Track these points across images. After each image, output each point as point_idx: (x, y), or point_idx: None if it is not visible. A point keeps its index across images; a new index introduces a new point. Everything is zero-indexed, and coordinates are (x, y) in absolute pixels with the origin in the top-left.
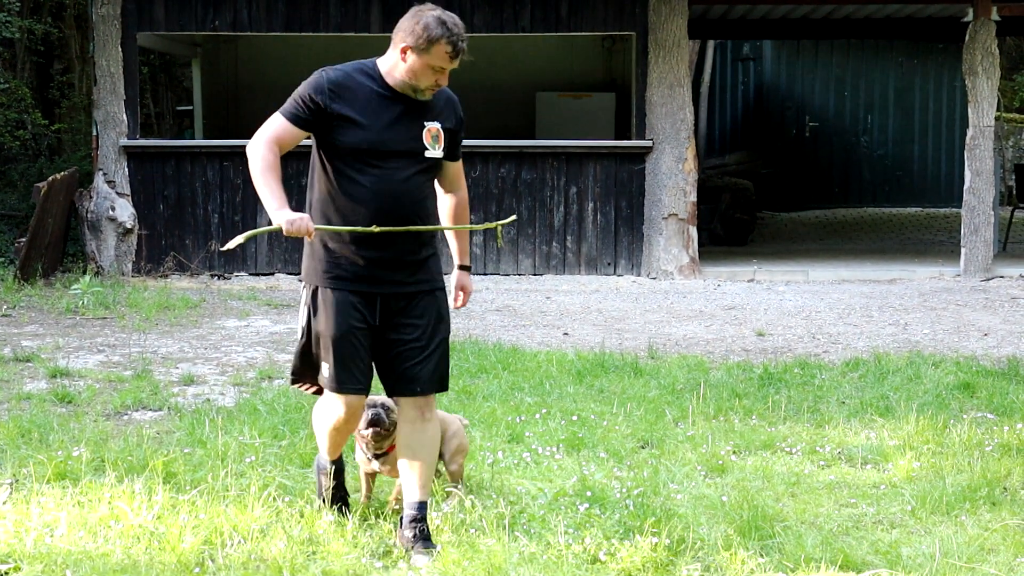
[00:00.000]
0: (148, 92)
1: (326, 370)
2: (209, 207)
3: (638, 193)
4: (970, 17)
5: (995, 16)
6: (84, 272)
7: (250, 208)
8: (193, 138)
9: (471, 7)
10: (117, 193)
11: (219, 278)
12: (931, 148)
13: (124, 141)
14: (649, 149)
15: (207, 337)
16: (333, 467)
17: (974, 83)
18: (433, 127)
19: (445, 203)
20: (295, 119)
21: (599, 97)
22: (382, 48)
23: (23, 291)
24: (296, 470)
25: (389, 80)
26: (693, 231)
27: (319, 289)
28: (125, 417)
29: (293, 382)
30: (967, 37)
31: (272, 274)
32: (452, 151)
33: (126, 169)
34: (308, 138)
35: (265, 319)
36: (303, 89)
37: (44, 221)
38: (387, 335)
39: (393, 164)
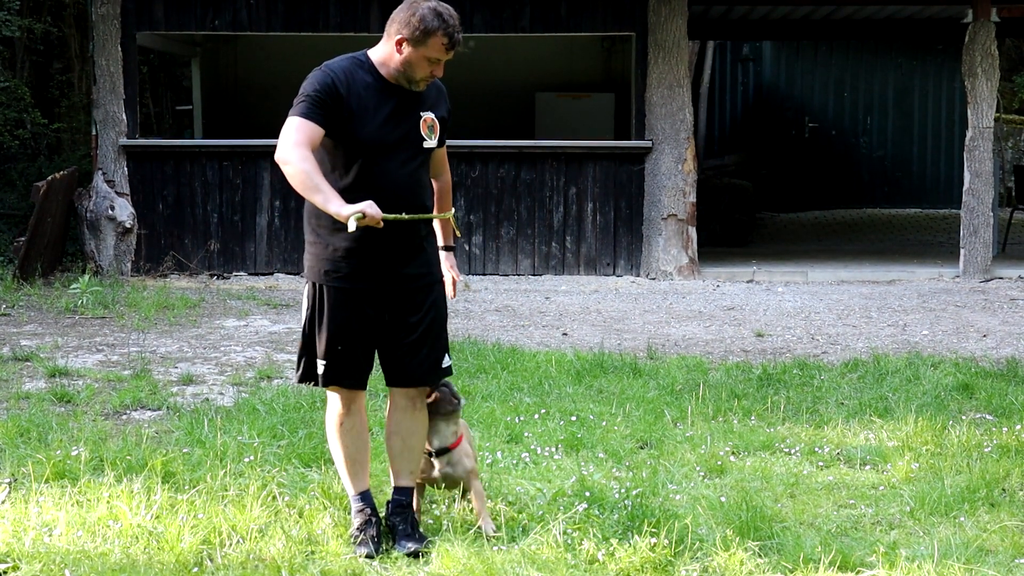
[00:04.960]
0: (147, 91)
1: (321, 366)
2: (208, 207)
3: (637, 194)
4: (969, 18)
5: (994, 17)
6: (83, 271)
7: (249, 207)
8: (192, 138)
9: (470, 7)
10: (116, 192)
11: (218, 278)
12: (930, 149)
13: (123, 140)
14: (648, 150)
15: (206, 337)
16: (360, 502)
17: (973, 84)
18: (428, 117)
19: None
20: (317, 118)
21: (598, 97)
22: None
23: (22, 290)
24: (295, 470)
25: (383, 71)
26: (692, 232)
27: (322, 286)
28: (124, 416)
29: (301, 380)
30: (966, 38)
31: (271, 274)
32: (442, 139)
33: (125, 168)
34: None
35: (264, 319)
36: (315, 86)
37: (43, 220)
38: (387, 327)
39: (396, 158)
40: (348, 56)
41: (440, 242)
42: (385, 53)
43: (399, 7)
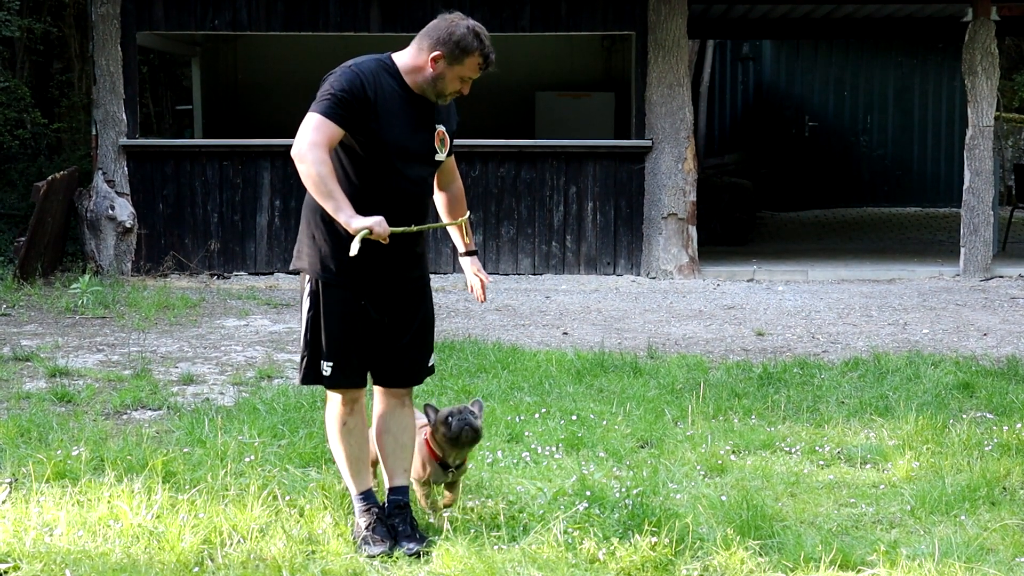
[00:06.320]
0: (147, 91)
1: (328, 369)
2: (208, 206)
3: (638, 193)
4: (969, 17)
5: (994, 16)
6: (83, 271)
7: (249, 207)
8: (192, 137)
9: (470, 7)
10: (116, 192)
11: (218, 277)
12: (930, 148)
13: (123, 140)
14: (649, 149)
15: (206, 336)
16: (364, 502)
17: (973, 83)
18: (441, 130)
19: (443, 197)
20: (340, 118)
21: (599, 97)
22: (381, 48)
23: (22, 290)
24: (295, 469)
25: (408, 80)
26: (693, 231)
27: (324, 285)
28: (124, 416)
29: (304, 381)
30: (966, 37)
31: (272, 273)
32: (451, 150)
33: (125, 168)
34: None
35: (264, 319)
36: (343, 85)
37: (43, 220)
38: (383, 328)
39: (411, 167)
40: (373, 57)
41: (461, 248)
42: (413, 62)
43: (434, 21)
